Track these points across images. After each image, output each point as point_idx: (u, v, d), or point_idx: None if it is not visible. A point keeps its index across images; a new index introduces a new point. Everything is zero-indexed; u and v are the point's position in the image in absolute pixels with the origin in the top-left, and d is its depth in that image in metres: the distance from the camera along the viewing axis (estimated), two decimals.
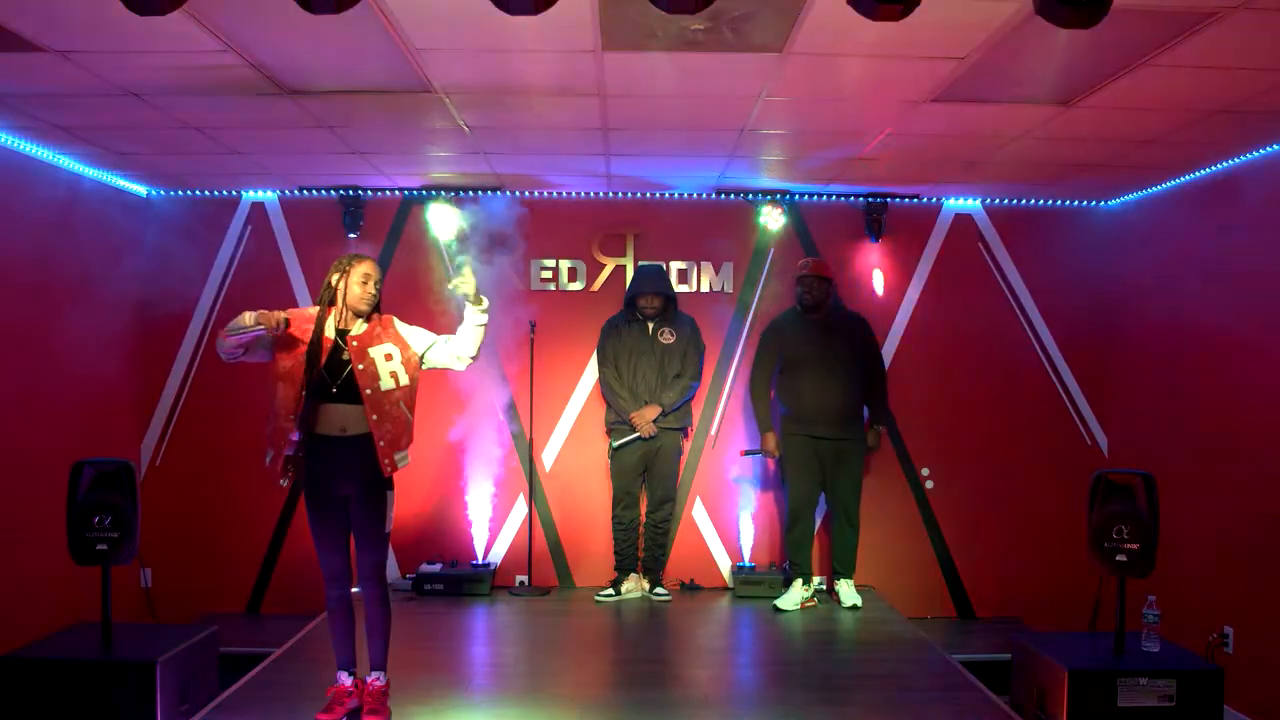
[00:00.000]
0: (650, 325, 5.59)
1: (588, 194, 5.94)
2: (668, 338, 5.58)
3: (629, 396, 5.54)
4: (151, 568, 5.76)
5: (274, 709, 3.83)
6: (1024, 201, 5.99)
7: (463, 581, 5.71)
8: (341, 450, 3.57)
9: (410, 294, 5.82)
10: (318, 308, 3.62)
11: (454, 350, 3.77)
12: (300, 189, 5.88)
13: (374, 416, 3.56)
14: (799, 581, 5.49)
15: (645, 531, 5.72)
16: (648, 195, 5.96)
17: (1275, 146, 4.42)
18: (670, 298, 5.63)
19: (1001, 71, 3.47)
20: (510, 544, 6.00)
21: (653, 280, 5.57)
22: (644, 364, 5.55)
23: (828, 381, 5.40)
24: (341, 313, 3.63)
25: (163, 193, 5.88)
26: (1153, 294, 5.49)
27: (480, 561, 5.89)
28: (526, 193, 5.87)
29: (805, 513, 5.52)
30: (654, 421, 5.51)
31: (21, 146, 4.68)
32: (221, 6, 2.93)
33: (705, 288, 6.01)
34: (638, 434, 5.52)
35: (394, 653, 3.80)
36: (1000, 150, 4.65)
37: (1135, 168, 4.98)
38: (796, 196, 5.95)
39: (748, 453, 5.83)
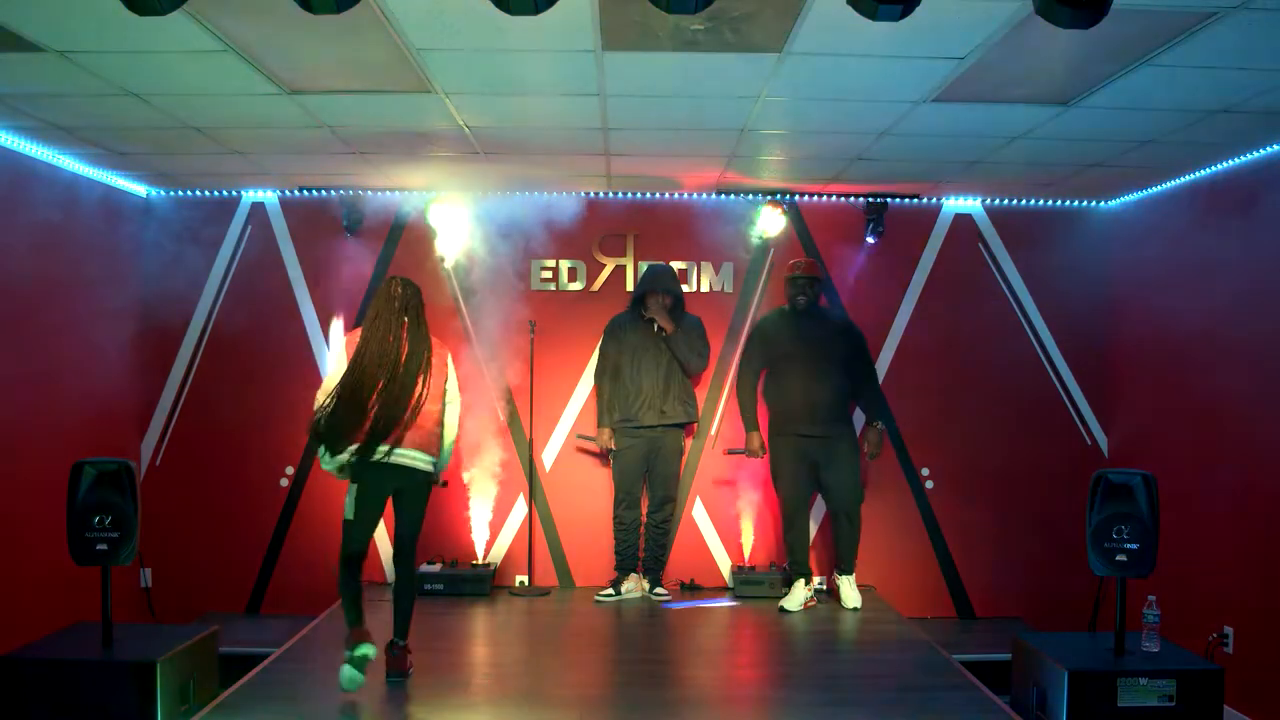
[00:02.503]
0: (655, 324, 5.59)
1: (588, 194, 5.94)
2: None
3: (613, 409, 5.63)
4: (151, 568, 5.76)
5: (274, 709, 3.83)
6: (1024, 201, 5.99)
7: (463, 581, 5.71)
8: None
9: None
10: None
11: None
12: (300, 189, 5.88)
13: None
14: (801, 581, 5.50)
15: (646, 531, 5.72)
16: (648, 195, 5.96)
17: (1275, 146, 4.42)
18: (678, 298, 5.64)
19: (1001, 71, 3.47)
20: (510, 544, 6.00)
21: (663, 279, 5.59)
22: (647, 362, 5.55)
23: (812, 381, 5.43)
24: None
25: (163, 193, 5.88)
26: (1153, 294, 5.49)
27: (480, 561, 5.89)
28: (527, 192, 5.87)
29: (799, 513, 5.53)
30: (661, 413, 5.53)
31: (21, 146, 4.68)
32: (221, 6, 2.93)
33: (705, 288, 6.01)
34: (595, 438, 5.69)
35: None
36: (1000, 150, 4.65)
37: (1135, 168, 4.98)
38: (796, 196, 5.95)
39: (732, 451, 5.85)
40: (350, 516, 4.02)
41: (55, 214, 4.89)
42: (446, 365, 4.21)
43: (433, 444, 4.09)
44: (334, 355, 4.27)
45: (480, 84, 3.73)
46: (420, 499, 4.18)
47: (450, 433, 4.22)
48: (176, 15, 2.57)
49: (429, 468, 4.11)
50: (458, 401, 4.25)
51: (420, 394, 4.00)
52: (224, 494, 5.88)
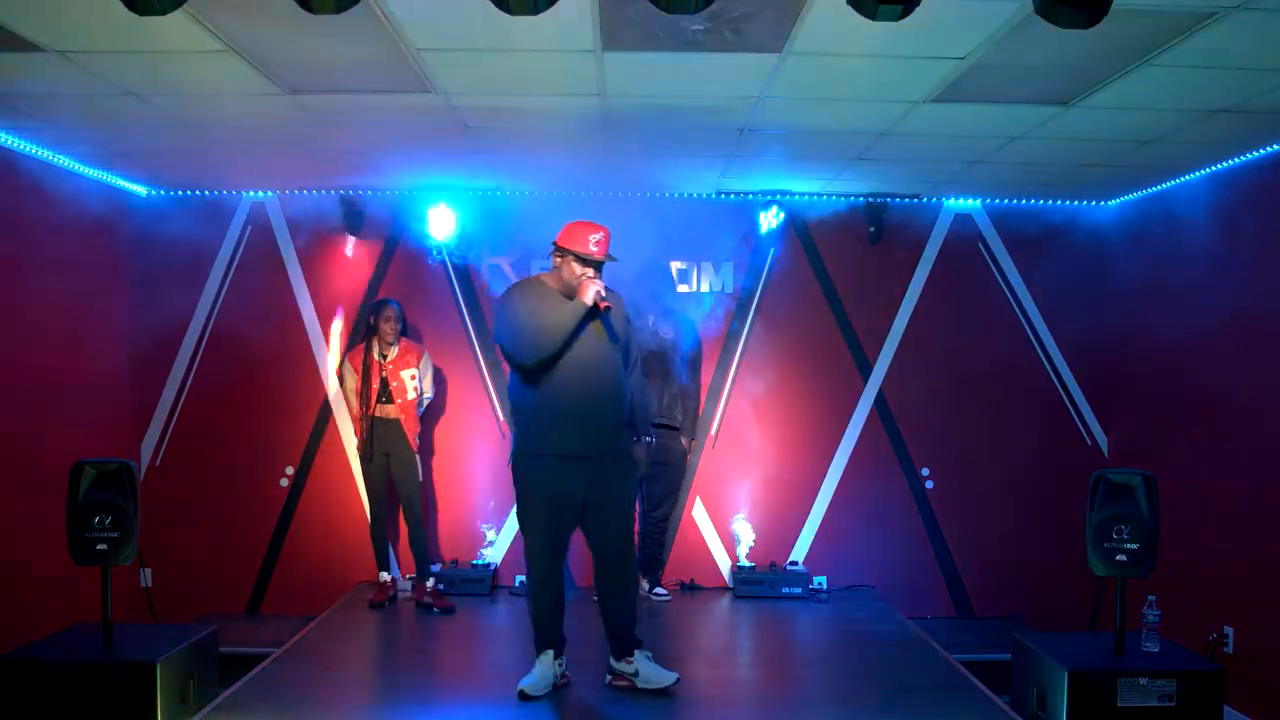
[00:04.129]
0: (649, 317, 5.65)
1: (588, 194, 5.93)
2: None
3: None
4: (151, 568, 5.76)
5: (274, 709, 3.84)
6: (1024, 201, 5.99)
7: (463, 581, 5.71)
8: None
9: (410, 294, 5.83)
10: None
11: None
12: (300, 189, 5.87)
13: None
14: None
15: (643, 530, 5.72)
16: (648, 195, 5.96)
17: (1275, 146, 4.42)
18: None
19: (1001, 71, 3.47)
20: (510, 544, 6.00)
21: None
22: None
23: None
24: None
25: (163, 193, 5.88)
26: (1153, 294, 5.49)
27: (480, 561, 5.89)
28: (526, 192, 5.87)
29: None
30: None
31: (21, 146, 4.67)
32: (221, 6, 2.93)
33: (705, 288, 6.01)
34: None
35: (394, 655, 3.82)
36: (1000, 150, 4.65)
37: (1135, 168, 4.98)
38: (796, 197, 5.95)
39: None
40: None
41: (55, 214, 4.89)
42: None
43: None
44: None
45: (480, 84, 3.73)
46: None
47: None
48: (176, 15, 2.56)
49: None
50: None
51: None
52: (224, 494, 5.88)
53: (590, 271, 3.89)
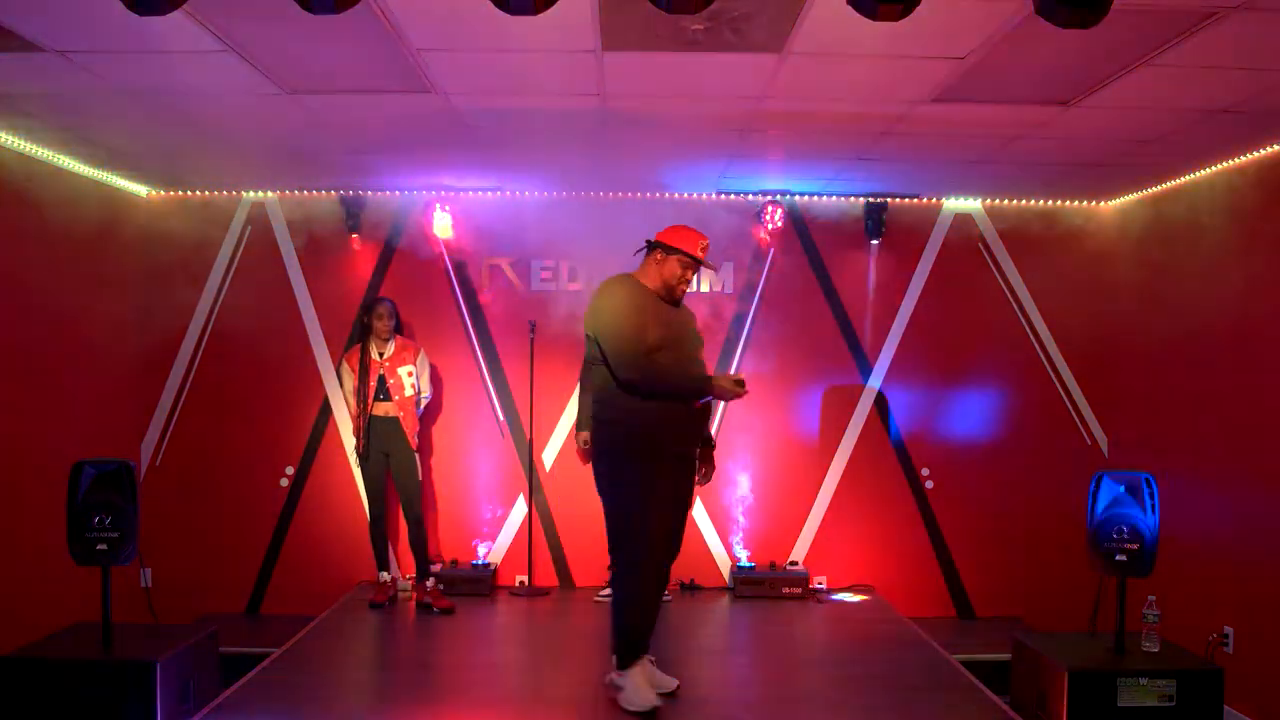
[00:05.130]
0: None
1: (588, 194, 5.93)
2: None
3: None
4: (151, 568, 5.76)
5: (274, 709, 3.84)
6: (1024, 201, 5.99)
7: (463, 581, 5.72)
8: None
9: (410, 294, 5.83)
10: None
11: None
12: (300, 189, 5.87)
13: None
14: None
15: None
16: (648, 195, 5.96)
17: (1275, 146, 4.42)
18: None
19: (1001, 71, 3.47)
20: (510, 544, 6.01)
21: None
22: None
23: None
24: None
25: (163, 193, 5.88)
26: (1152, 294, 5.48)
27: (480, 561, 5.89)
28: (526, 192, 5.87)
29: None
30: None
31: (22, 146, 4.67)
32: (221, 6, 2.93)
33: (705, 288, 6.01)
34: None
35: (394, 654, 3.81)
36: (1000, 150, 4.65)
37: (1135, 168, 4.98)
38: (796, 196, 5.95)
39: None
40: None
41: (55, 214, 4.89)
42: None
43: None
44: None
45: (480, 84, 3.73)
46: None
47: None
48: (176, 15, 2.56)
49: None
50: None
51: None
52: (224, 494, 5.88)
53: (726, 387, 3.82)
